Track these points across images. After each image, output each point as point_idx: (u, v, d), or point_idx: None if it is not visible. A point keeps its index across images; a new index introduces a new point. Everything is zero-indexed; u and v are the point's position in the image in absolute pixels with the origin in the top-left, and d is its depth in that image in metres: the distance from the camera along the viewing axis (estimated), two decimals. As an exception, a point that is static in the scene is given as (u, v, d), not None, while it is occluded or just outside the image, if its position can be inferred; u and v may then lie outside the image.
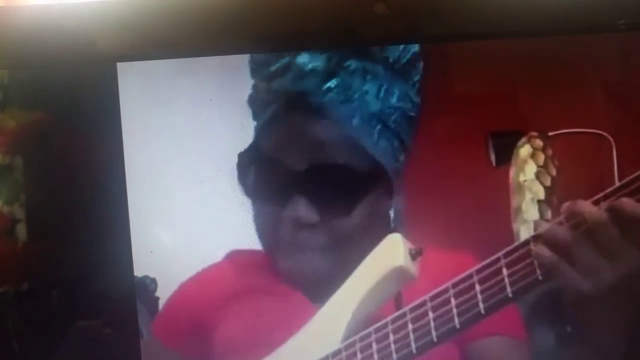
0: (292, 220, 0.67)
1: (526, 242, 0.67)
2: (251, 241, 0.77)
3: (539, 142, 0.75)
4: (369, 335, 0.67)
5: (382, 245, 0.67)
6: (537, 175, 0.75)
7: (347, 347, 0.67)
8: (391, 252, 0.66)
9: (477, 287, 0.64)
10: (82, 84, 0.78)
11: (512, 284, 0.64)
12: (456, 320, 0.64)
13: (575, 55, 0.74)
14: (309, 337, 0.69)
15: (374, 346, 0.67)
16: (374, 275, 0.66)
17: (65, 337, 0.79)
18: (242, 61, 0.77)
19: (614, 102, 0.75)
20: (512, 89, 0.75)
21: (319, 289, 0.70)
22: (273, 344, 0.72)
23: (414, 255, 0.66)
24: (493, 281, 0.65)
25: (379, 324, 0.67)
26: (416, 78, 0.69)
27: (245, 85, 0.77)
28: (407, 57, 0.67)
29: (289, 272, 0.70)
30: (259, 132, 0.69)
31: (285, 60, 0.66)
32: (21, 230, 0.80)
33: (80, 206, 0.79)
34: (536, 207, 0.75)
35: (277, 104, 0.67)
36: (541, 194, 0.75)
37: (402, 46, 0.67)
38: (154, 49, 0.76)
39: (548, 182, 0.75)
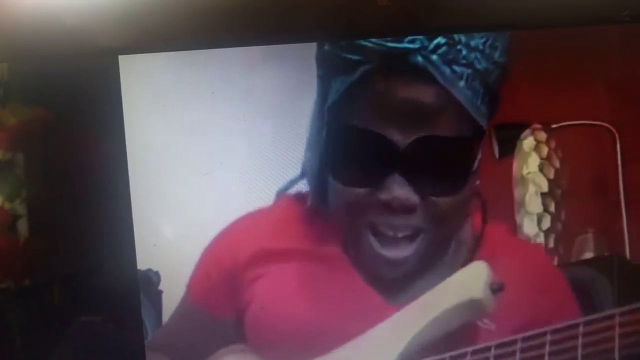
0: (387, 204, 0.59)
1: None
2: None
3: (542, 135, 0.75)
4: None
5: (466, 271, 0.65)
6: (541, 168, 0.75)
7: None
8: (473, 281, 0.63)
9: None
10: (83, 78, 0.78)
11: None
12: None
13: (579, 47, 0.74)
14: (367, 345, 0.66)
15: None
16: (449, 300, 0.64)
17: (68, 332, 0.79)
18: (244, 54, 0.77)
19: (618, 94, 0.75)
20: (515, 80, 0.75)
21: (396, 284, 0.65)
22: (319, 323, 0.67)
23: (495, 290, 0.64)
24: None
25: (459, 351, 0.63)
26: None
27: (247, 78, 0.77)
28: None
29: (372, 265, 0.63)
30: (344, 97, 0.59)
31: None
32: (22, 226, 0.79)
33: (84, 200, 0.78)
34: (539, 199, 0.75)
35: (369, 64, 0.58)
36: (545, 187, 0.75)
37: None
38: (156, 42, 0.75)
39: (552, 175, 0.75)
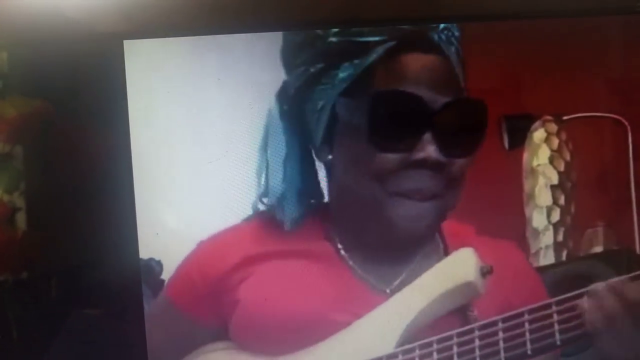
0: (418, 162, 0.64)
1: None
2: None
3: (553, 126, 0.75)
4: (430, 344, 0.66)
5: (455, 257, 0.69)
6: (551, 160, 0.75)
7: (405, 352, 0.66)
8: (464, 266, 0.67)
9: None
10: (86, 64, 0.77)
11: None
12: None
13: (593, 38, 0.73)
14: (363, 332, 0.68)
15: (435, 356, 0.66)
16: (443, 285, 0.68)
17: (69, 323, 0.78)
18: (251, 40, 0.76)
19: (630, 86, 0.74)
20: (527, 71, 0.74)
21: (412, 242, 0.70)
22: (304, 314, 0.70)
23: (485, 273, 0.67)
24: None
25: (444, 335, 0.67)
26: None
27: (254, 64, 0.76)
28: None
29: (398, 217, 0.66)
30: (370, 70, 0.65)
31: None
32: (21, 219, 0.79)
33: (86, 189, 0.78)
34: (549, 192, 0.75)
35: (392, 41, 0.64)
36: (555, 179, 0.75)
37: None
38: (161, 27, 0.74)
39: (562, 167, 0.75)
